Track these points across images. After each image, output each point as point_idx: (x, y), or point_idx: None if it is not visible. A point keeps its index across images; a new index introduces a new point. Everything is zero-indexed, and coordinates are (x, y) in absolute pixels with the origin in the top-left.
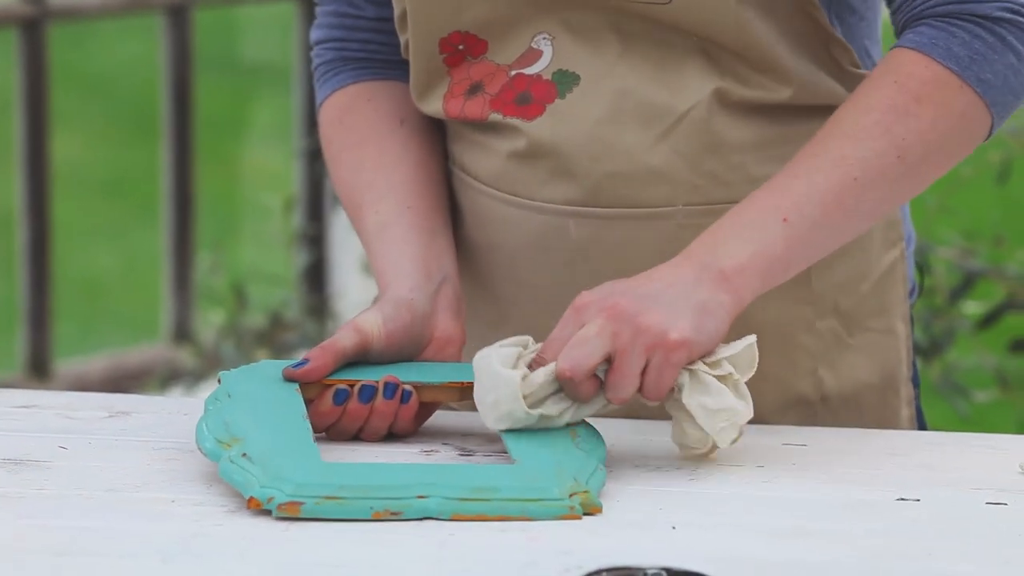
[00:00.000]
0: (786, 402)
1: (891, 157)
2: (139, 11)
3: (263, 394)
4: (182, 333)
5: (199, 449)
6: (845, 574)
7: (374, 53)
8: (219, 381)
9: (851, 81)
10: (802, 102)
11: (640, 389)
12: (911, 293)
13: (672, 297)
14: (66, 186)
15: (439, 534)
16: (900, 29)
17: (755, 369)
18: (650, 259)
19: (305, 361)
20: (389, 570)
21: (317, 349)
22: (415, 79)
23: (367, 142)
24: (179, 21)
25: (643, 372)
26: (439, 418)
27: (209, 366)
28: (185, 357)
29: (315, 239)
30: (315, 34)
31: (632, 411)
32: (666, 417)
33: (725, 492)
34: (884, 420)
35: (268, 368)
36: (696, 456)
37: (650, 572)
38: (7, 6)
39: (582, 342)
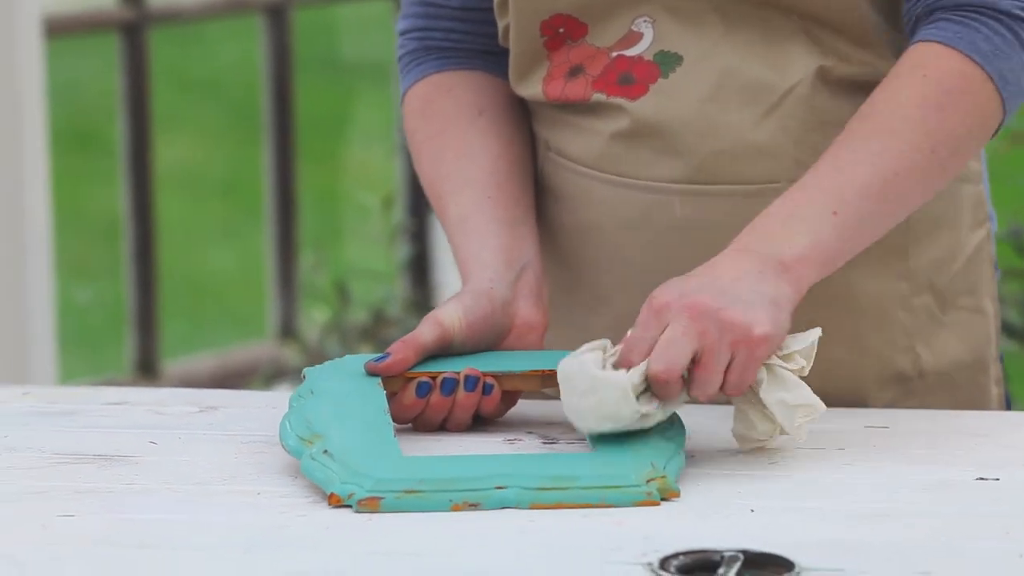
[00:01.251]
0: (886, 378)
1: (926, 151)
2: (238, 12)
3: (346, 389)
4: (287, 331)
5: (283, 446)
6: (923, 555)
7: (457, 43)
8: (303, 377)
9: None
10: None
11: (722, 386)
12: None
13: (745, 292)
14: (174, 188)
15: (519, 520)
16: (915, 22)
17: (812, 362)
18: None
19: (386, 355)
20: (469, 558)
21: (399, 343)
22: (515, 62)
23: (447, 132)
24: (278, 21)
25: (727, 369)
26: (522, 407)
27: (313, 362)
28: (290, 354)
29: (416, 234)
30: (400, 24)
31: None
32: None
33: (805, 476)
34: (975, 398)
35: (352, 363)
36: (755, 448)
37: (727, 555)
38: (107, 10)
39: (671, 343)
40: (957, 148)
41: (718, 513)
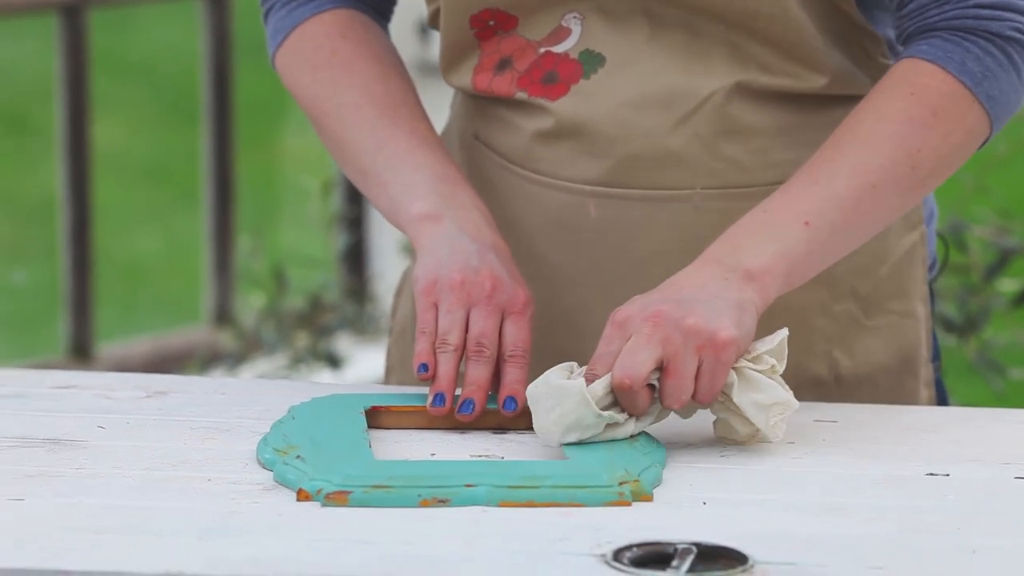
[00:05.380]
0: (799, 382)
1: (906, 167)
2: None
3: (328, 415)
4: (223, 316)
5: (258, 462)
6: (876, 549)
7: None
8: (290, 413)
9: (881, 72)
10: (833, 92)
11: (693, 393)
12: (931, 268)
13: (708, 298)
14: (108, 171)
15: (474, 511)
16: (907, 37)
17: (786, 361)
18: (667, 240)
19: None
20: (422, 546)
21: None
22: (444, 51)
23: (384, 59)
24: (218, 6)
25: (696, 375)
26: None
27: (249, 348)
28: (225, 339)
29: (354, 221)
30: None
31: None
32: None
33: (756, 468)
34: (901, 401)
35: (337, 401)
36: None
37: (680, 547)
38: None
39: (634, 351)
40: (940, 165)
41: (671, 505)
